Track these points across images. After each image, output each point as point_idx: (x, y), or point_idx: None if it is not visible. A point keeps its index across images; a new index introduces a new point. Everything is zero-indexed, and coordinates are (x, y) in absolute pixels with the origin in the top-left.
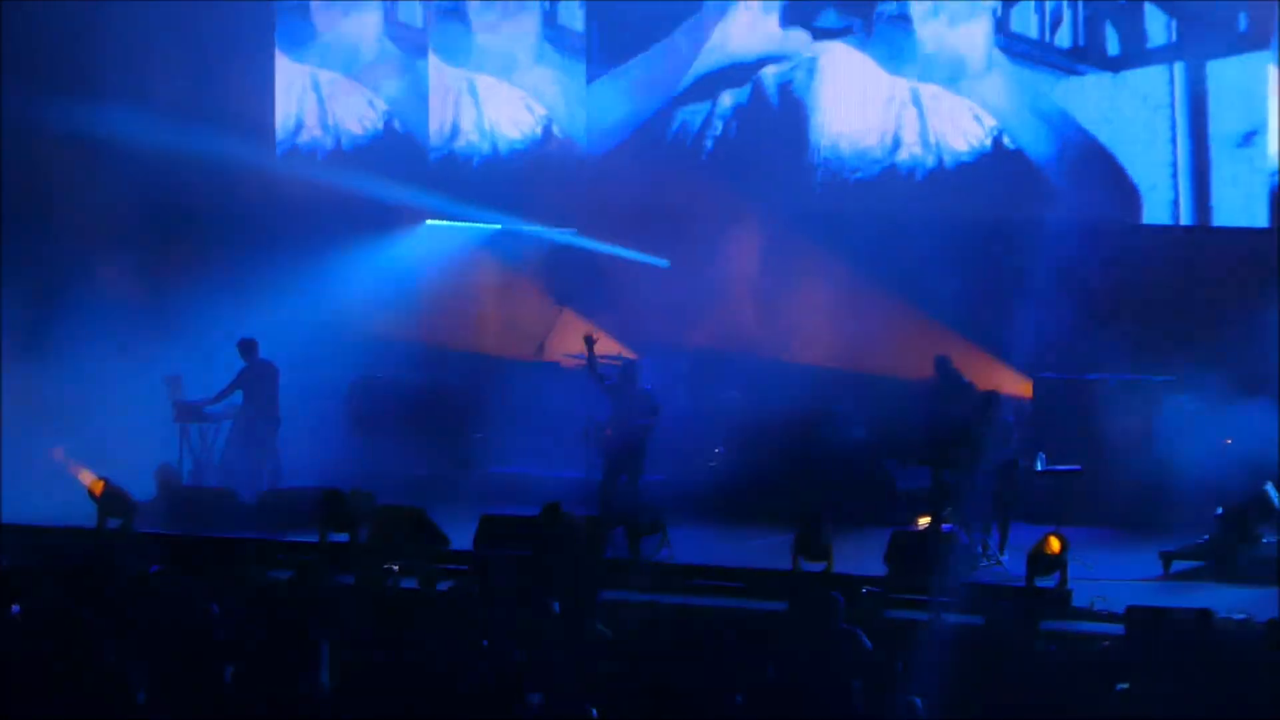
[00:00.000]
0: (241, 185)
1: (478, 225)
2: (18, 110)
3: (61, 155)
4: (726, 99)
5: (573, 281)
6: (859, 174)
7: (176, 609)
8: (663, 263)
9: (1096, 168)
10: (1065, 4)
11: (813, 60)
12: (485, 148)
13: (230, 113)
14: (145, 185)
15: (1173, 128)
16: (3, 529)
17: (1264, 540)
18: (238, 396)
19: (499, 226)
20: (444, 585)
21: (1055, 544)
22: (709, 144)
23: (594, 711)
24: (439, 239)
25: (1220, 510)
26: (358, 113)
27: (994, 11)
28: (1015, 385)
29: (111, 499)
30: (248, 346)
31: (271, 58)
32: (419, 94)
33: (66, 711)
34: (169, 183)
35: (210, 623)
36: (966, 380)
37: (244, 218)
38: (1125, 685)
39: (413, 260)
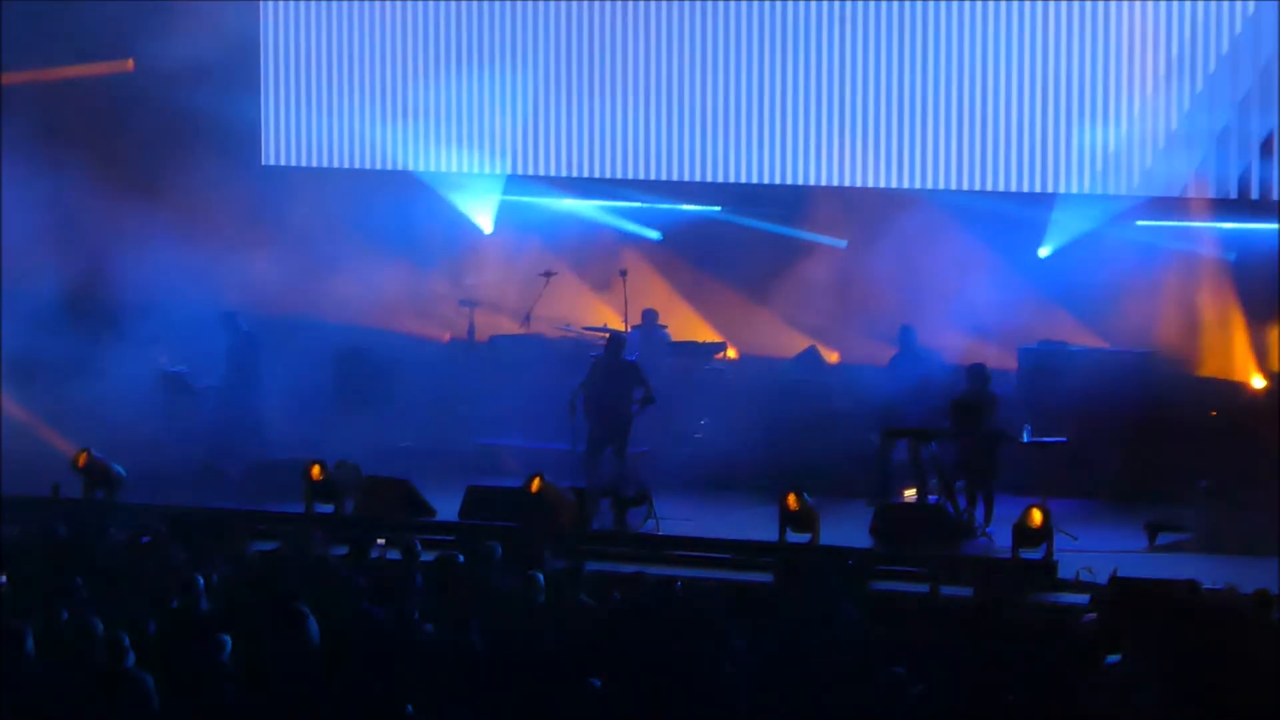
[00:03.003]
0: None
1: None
2: None
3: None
4: None
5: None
6: None
7: (164, 579)
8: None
9: None
10: None
11: None
12: None
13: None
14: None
15: None
16: None
17: (1248, 511)
18: (220, 367)
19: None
20: (429, 556)
21: (1038, 516)
22: None
23: (597, 683)
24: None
25: (1205, 482)
26: None
27: None
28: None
29: (95, 470)
30: (228, 320)
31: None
32: None
33: (55, 682)
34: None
35: (197, 593)
36: (926, 349)
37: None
38: (1116, 658)
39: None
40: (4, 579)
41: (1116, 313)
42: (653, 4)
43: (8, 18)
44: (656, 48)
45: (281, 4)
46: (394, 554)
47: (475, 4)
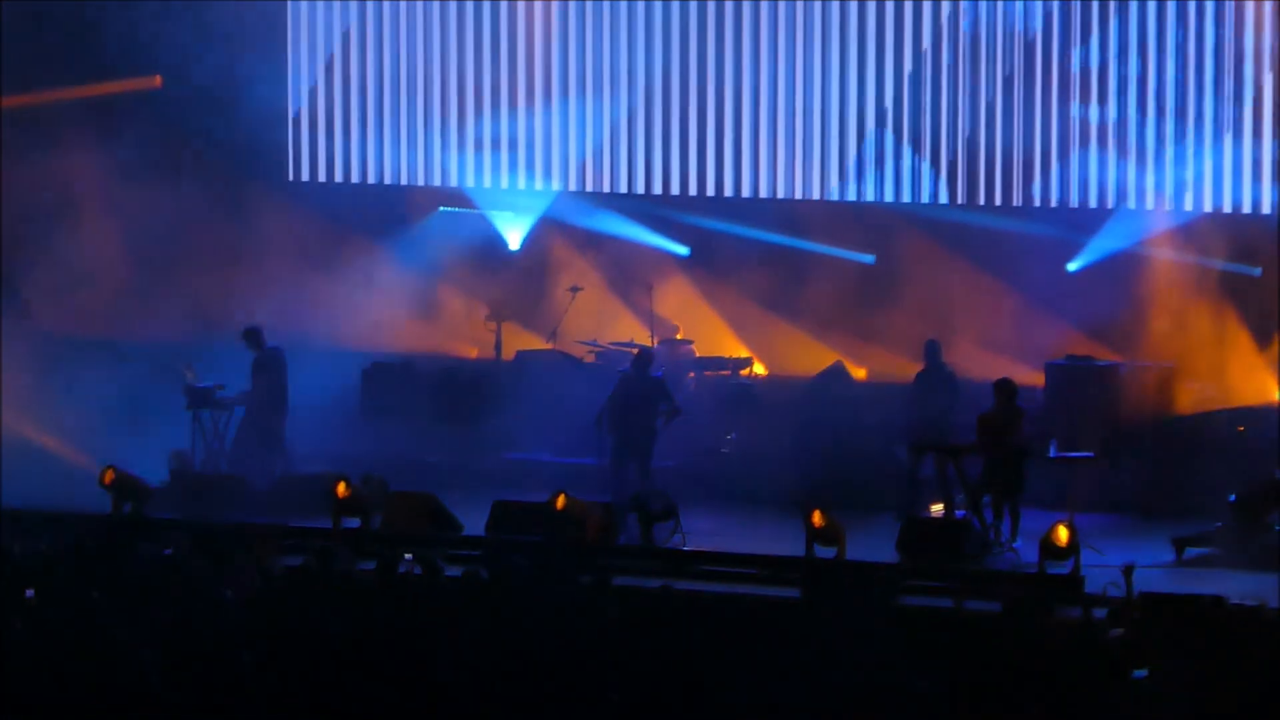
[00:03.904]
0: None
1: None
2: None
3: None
4: None
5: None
6: None
7: (190, 594)
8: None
9: None
10: None
11: None
12: None
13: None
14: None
15: None
16: (15, 514)
17: (1277, 527)
18: (247, 383)
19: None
20: (455, 571)
21: (1064, 534)
22: None
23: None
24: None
25: (1233, 496)
26: None
27: None
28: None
29: (123, 485)
30: (253, 335)
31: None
32: None
33: (80, 696)
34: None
35: (224, 607)
36: (950, 368)
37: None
38: (1144, 672)
39: (428, 245)
40: (30, 593)
41: (1144, 328)
42: (676, 19)
43: (28, 39)
44: (685, 62)
45: (310, 15)
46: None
47: (501, 27)
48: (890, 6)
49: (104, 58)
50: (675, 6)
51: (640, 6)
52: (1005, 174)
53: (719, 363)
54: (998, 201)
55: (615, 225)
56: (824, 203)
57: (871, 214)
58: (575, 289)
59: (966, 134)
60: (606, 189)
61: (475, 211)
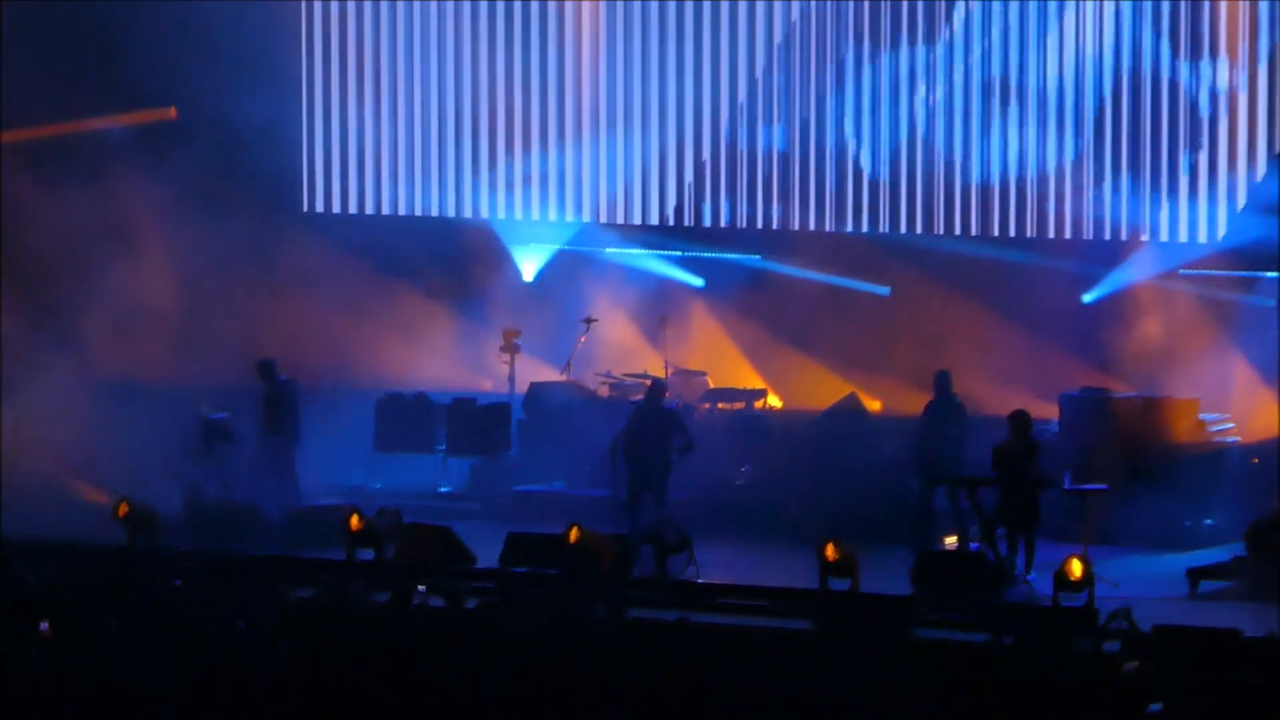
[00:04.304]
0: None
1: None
2: None
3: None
4: None
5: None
6: None
7: (204, 625)
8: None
9: None
10: None
11: None
12: None
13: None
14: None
15: None
16: (29, 545)
17: None
18: (259, 415)
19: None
20: (471, 603)
21: (1078, 568)
22: None
23: None
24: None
25: (1248, 529)
26: None
27: None
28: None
29: (137, 517)
30: (266, 368)
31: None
32: None
33: None
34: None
35: (238, 638)
36: (959, 399)
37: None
38: (1159, 706)
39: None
40: (45, 625)
41: (1158, 360)
42: (689, 52)
43: (42, 73)
44: (699, 95)
45: (324, 45)
46: (436, 600)
47: (521, 58)
48: (911, 51)
49: (125, 90)
50: (692, 44)
51: (659, 44)
52: (1020, 206)
53: (733, 394)
54: (1012, 233)
55: (630, 256)
56: (838, 235)
57: (887, 246)
58: (589, 320)
59: (981, 167)
60: (621, 221)
61: (487, 243)
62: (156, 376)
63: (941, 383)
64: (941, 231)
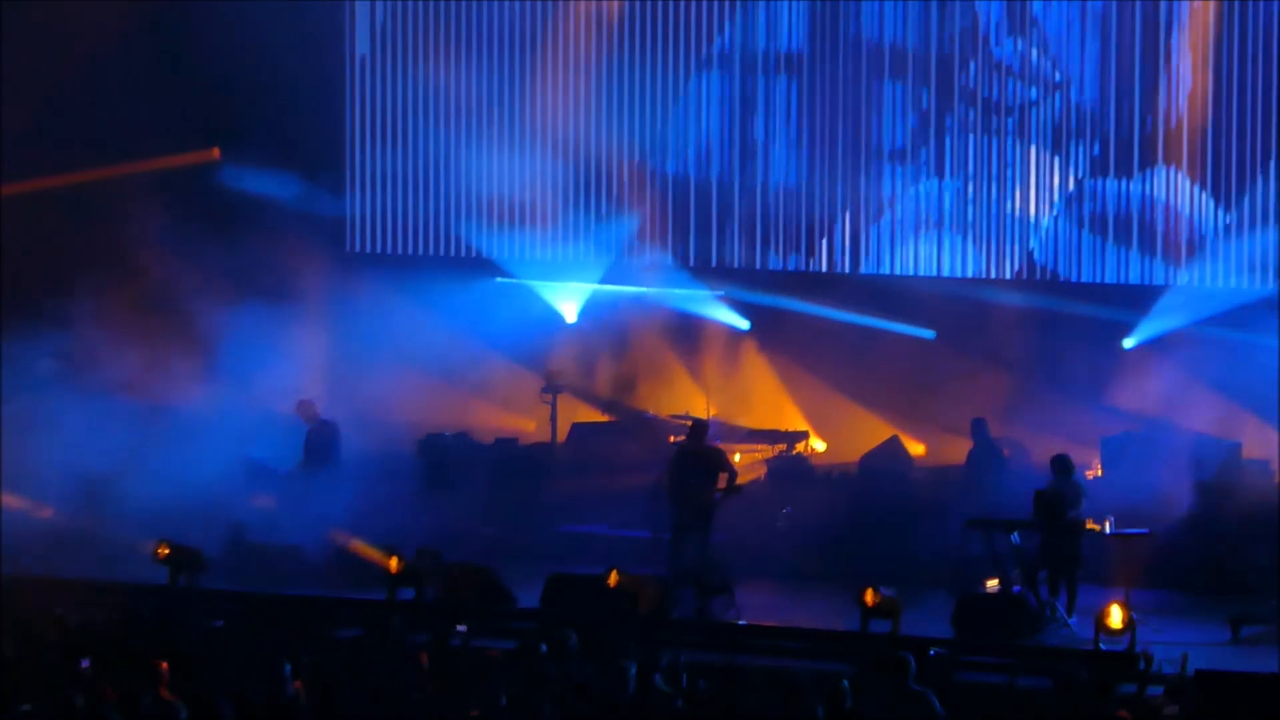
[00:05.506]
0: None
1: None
2: None
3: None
4: None
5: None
6: None
7: (247, 666)
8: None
9: None
10: None
11: None
12: None
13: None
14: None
15: None
16: (69, 584)
17: None
18: (301, 455)
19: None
20: (510, 644)
21: (1119, 614)
22: None
23: None
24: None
25: None
26: None
27: None
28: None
29: (178, 557)
30: (307, 407)
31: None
32: None
33: None
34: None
35: (282, 679)
36: (997, 445)
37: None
38: None
39: (484, 317)
40: (86, 663)
41: (1201, 405)
42: (735, 89)
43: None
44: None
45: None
46: (478, 641)
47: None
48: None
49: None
50: (736, 83)
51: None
52: (1060, 252)
53: (774, 436)
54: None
55: (674, 298)
56: (885, 277)
57: (932, 289)
58: (630, 361)
59: (1026, 213)
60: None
61: (528, 284)
62: (199, 413)
63: (978, 429)
64: (989, 274)
